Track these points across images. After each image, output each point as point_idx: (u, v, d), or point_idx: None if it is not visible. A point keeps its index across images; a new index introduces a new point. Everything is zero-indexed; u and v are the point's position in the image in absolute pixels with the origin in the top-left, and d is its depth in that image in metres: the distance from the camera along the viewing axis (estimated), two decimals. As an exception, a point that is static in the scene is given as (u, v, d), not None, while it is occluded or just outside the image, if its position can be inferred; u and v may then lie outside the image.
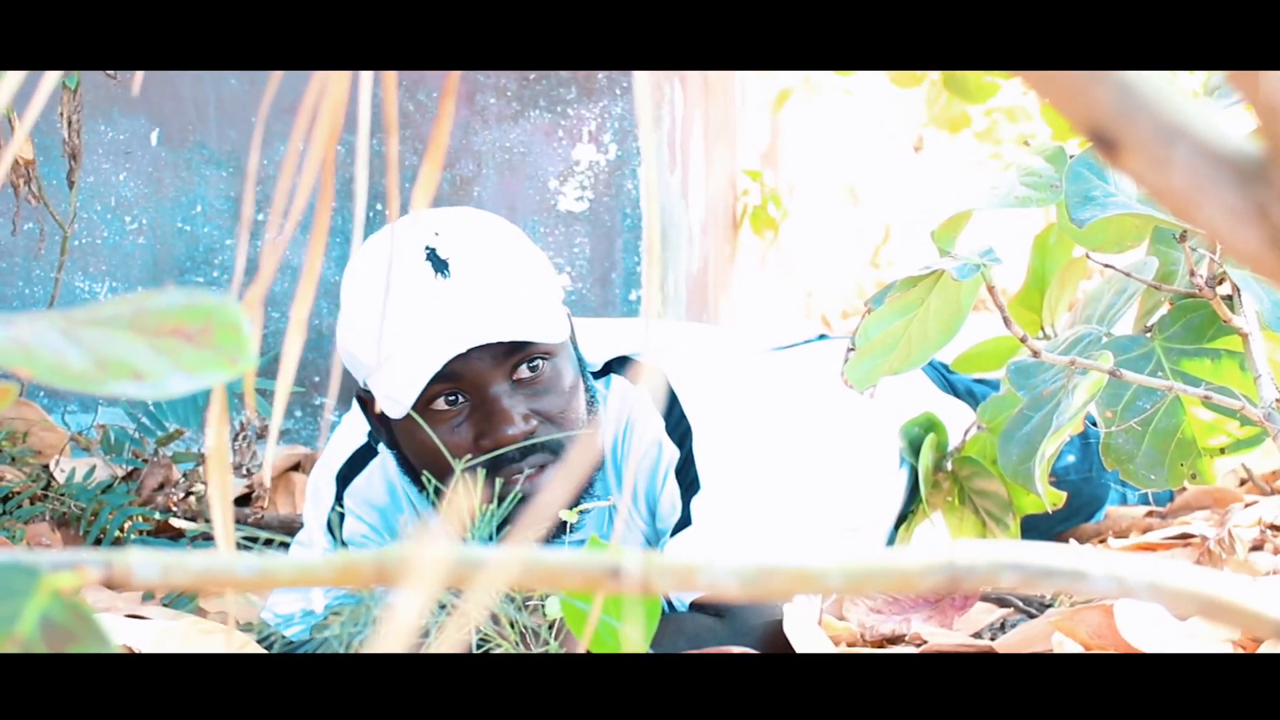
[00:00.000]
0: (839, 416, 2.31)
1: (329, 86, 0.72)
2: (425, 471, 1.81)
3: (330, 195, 0.77)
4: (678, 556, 1.83)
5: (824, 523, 2.18)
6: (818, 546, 2.03)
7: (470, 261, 1.80)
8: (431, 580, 0.53)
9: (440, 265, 1.78)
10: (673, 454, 1.91)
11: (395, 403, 1.78)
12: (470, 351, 1.77)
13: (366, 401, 1.88)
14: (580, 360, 1.89)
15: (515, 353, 1.79)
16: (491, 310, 1.78)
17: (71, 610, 0.62)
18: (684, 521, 1.89)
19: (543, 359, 1.81)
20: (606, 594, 0.58)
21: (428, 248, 1.79)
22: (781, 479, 1.95)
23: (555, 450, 1.82)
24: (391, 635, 0.52)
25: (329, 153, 0.76)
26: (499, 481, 1.77)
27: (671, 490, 1.91)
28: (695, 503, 1.89)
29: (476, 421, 1.80)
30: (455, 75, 0.75)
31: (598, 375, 1.97)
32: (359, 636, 1.36)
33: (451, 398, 1.79)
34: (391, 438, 1.87)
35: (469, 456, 1.77)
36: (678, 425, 1.91)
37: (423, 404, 1.78)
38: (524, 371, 1.80)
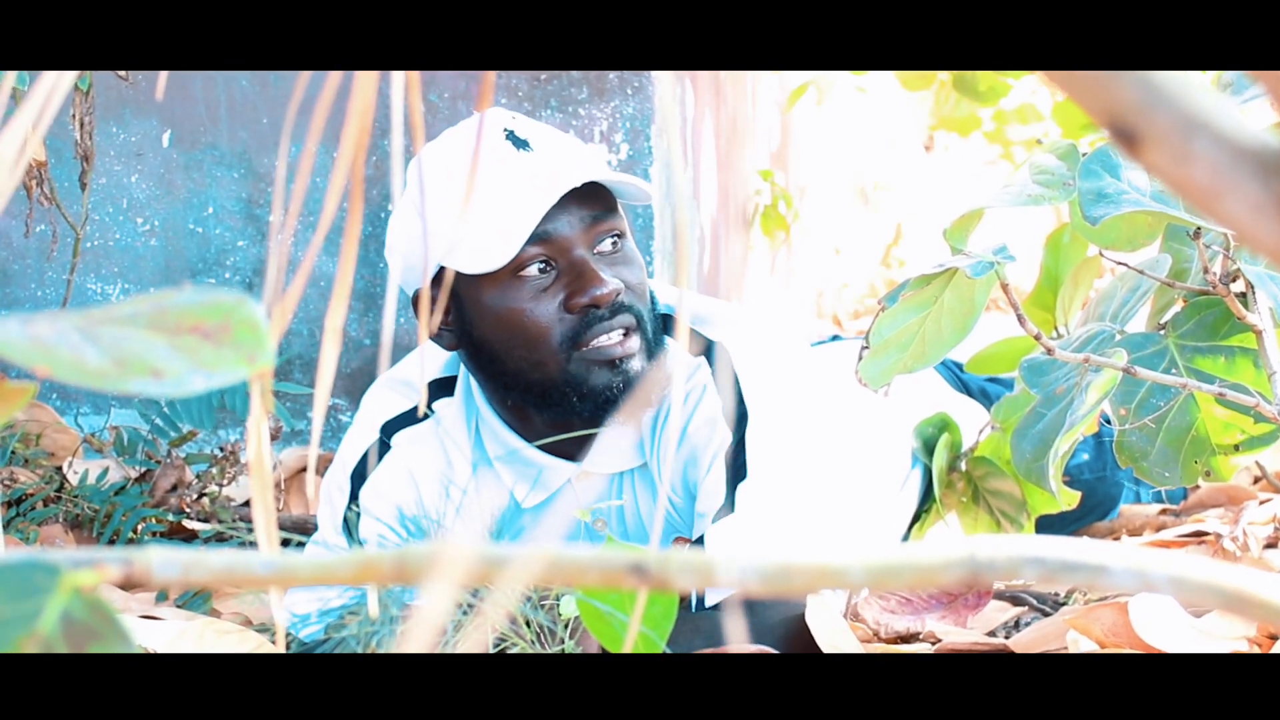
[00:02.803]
0: (854, 416, 2.31)
1: (357, 88, 0.72)
2: (510, 345, 1.87)
3: (360, 199, 0.77)
4: (720, 544, 1.84)
5: (848, 522, 2.17)
6: (852, 545, 2.02)
7: (548, 137, 1.88)
8: (452, 579, 0.53)
9: (520, 143, 1.85)
10: (725, 436, 1.91)
11: (490, 259, 1.83)
12: (560, 217, 1.83)
13: (449, 301, 1.92)
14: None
15: (598, 224, 1.85)
16: (579, 160, 1.85)
17: (92, 608, 0.62)
18: (727, 508, 1.89)
19: (619, 236, 1.88)
20: (627, 591, 0.58)
21: (506, 129, 1.86)
22: (826, 477, 1.94)
23: (639, 317, 1.87)
24: (414, 635, 0.52)
25: (358, 156, 0.76)
26: (586, 348, 1.84)
27: (718, 474, 1.91)
28: (741, 490, 1.89)
29: (567, 283, 1.85)
30: (491, 76, 0.75)
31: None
32: (376, 636, 1.36)
33: (543, 264, 1.85)
34: (463, 333, 1.91)
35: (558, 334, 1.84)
36: (736, 409, 1.91)
37: (511, 272, 1.84)
38: (605, 245, 1.87)
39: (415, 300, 1.94)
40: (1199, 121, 0.50)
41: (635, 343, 1.86)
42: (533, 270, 1.84)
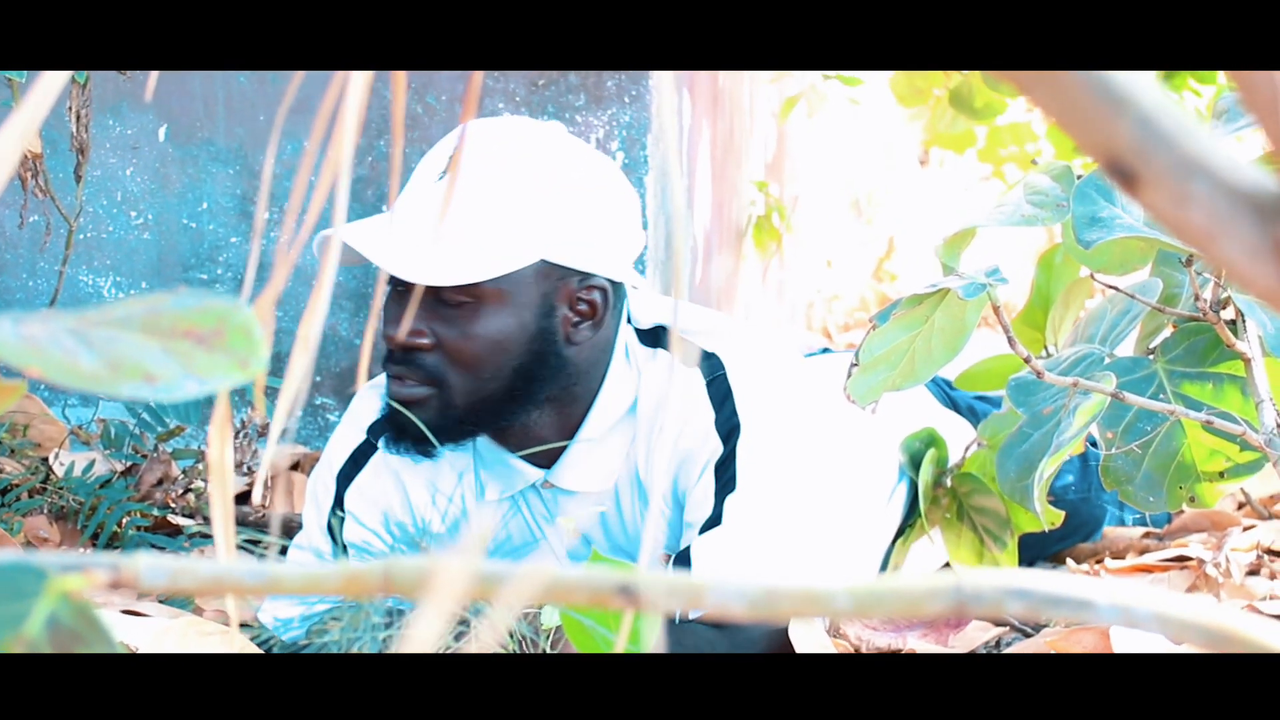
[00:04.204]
0: (842, 430, 2.31)
1: (349, 89, 0.72)
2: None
3: (345, 203, 0.77)
4: (705, 556, 1.84)
5: (835, 537, 2.18)
6: (838, 564, 2.03)
7: (462, 180, 1.84)
8: (446, 597, 0.53)
9: (445, 170, 1.83)
10: (716, 448, 1.90)
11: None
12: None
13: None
14: (555, 354, 1.89)
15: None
16: (404, 238, 1.82)
17: (78, 612, 0.62)
18: (714, 520, 1.89)
19: (473, 296, 1.83)
20: (613, 610, 0.58)
21: (448, 155, 1.86)
22: (815, 493, 1.94)
23: (434, 381, 1.86)
24: (408, 647, 0.52)
25: (345, 158, 0.76)
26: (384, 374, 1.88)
27: (707, 484, 1.90)
28: (729, 502, 1.88)
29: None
30: (478, 76, 0.76)
31: (646, 341, 1.97)
32: (358, 642, 1.36)
33: (399, 285, 1.87)
34: None
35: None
36: (727, 421, 1.91)
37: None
38: (453, 296, 1.83)
39: None
40: (1197, 163, 0.50)
41: (418, 393, 1.85)
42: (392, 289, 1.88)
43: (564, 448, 1.94)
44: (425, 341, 1.83)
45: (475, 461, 2.00)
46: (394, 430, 1.88)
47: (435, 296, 1.83)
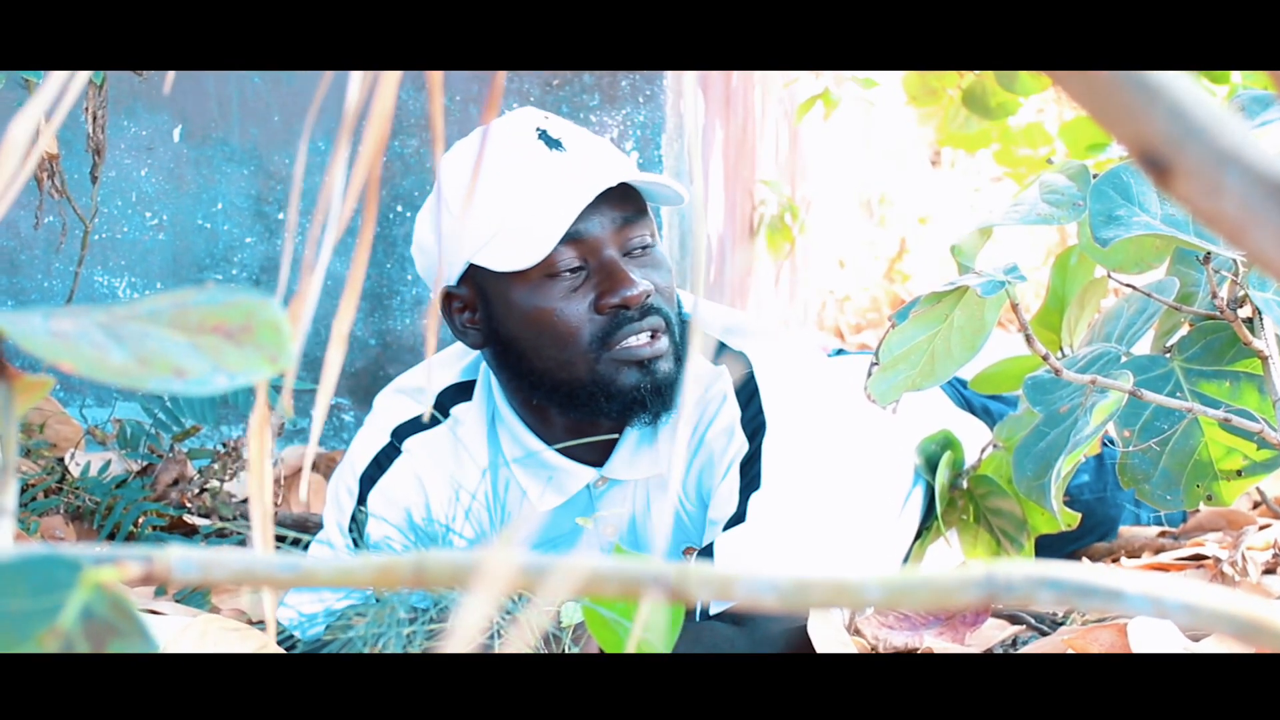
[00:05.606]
0: (861, 432, 2.31)
1: (378, 90, 0.73)
2: (538, 345, 1.88)
3: (375, 205, 0.78)
4: (729, 553, 1.84)
5: (856, 538, 2.18)
6: (861, 562, 2.03)
7: (581, 137, 1.89)
8: (480, 586, 0.54)
9: (553, 143, 1.86)
10: (741, 445, 1.91)
11: (522, 257, 1.84)
12: (592, 218, 1.85)
13: (453, 304, 1.91)
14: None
15: (629, 226, 1.87)
16: (612, 162, 1.87)
17: (113, 604, 0.62)
18: (738, 517, 1.89)
19: (649, 239, 1.90)
20: (643, 601, 0.58)
21: (538, 129, 1.87)
22: (838, 493, 1.95)
23: (667, 319, 1.89)
24: (451, 640, 0.52)
25: (376, 159, 0.76)
26: (615, 349, 1.85)
27: (732, 482, 1.91)
28: (753, 500, 1.89)
29: (597, 284, 1.86)
30: (500, 79, 0.76)
31: None
32: (383, 638, 1.36)
33: (574, 264, 1.85)
34: (491, 331, 1.91)
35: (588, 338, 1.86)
36: (753, 419, 1.92)
37: (542, 272, 1.85)
38: (635, 247, 1.88)
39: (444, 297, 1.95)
40: (1230, 154, 0.51)
41: (664, 344, 1.87)
42: (564, 270, 1.85)
43: (613, 442, 1.95)
44: (651, 285, 1.87)
45: (506, 464, 2.00)
46: (649, 395, 1.88)
47: (622, 247, 1.87)
